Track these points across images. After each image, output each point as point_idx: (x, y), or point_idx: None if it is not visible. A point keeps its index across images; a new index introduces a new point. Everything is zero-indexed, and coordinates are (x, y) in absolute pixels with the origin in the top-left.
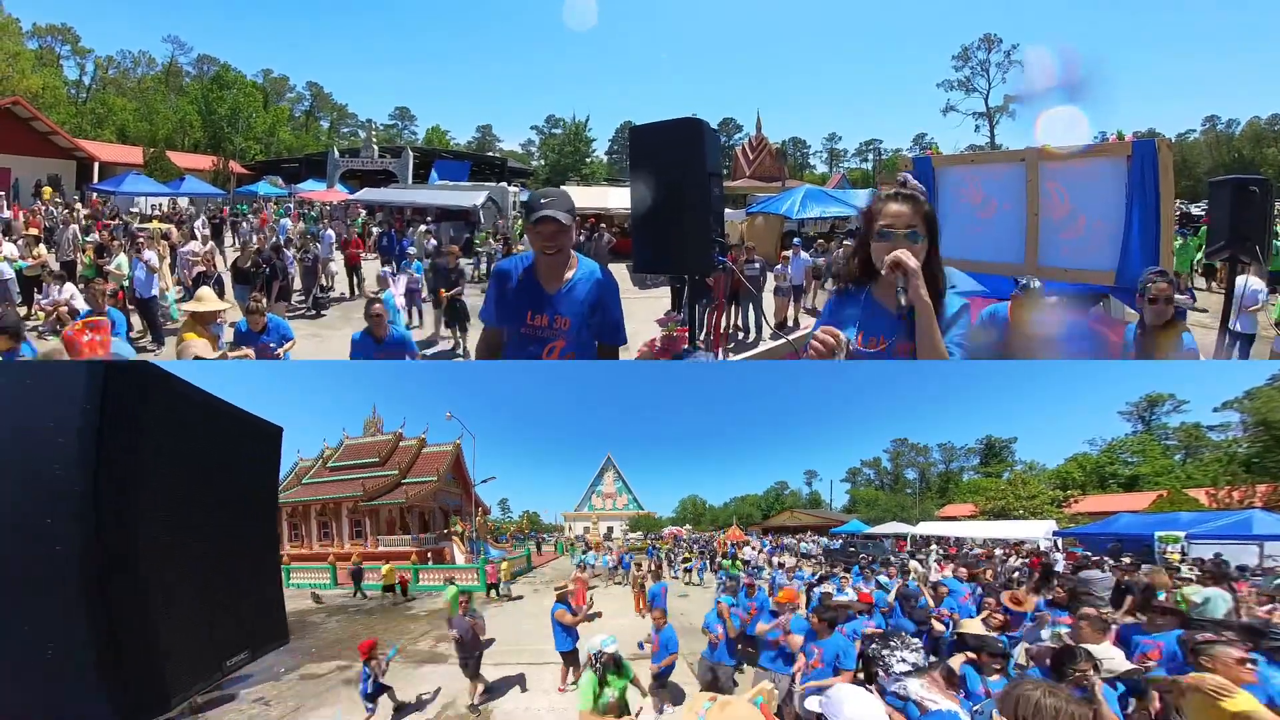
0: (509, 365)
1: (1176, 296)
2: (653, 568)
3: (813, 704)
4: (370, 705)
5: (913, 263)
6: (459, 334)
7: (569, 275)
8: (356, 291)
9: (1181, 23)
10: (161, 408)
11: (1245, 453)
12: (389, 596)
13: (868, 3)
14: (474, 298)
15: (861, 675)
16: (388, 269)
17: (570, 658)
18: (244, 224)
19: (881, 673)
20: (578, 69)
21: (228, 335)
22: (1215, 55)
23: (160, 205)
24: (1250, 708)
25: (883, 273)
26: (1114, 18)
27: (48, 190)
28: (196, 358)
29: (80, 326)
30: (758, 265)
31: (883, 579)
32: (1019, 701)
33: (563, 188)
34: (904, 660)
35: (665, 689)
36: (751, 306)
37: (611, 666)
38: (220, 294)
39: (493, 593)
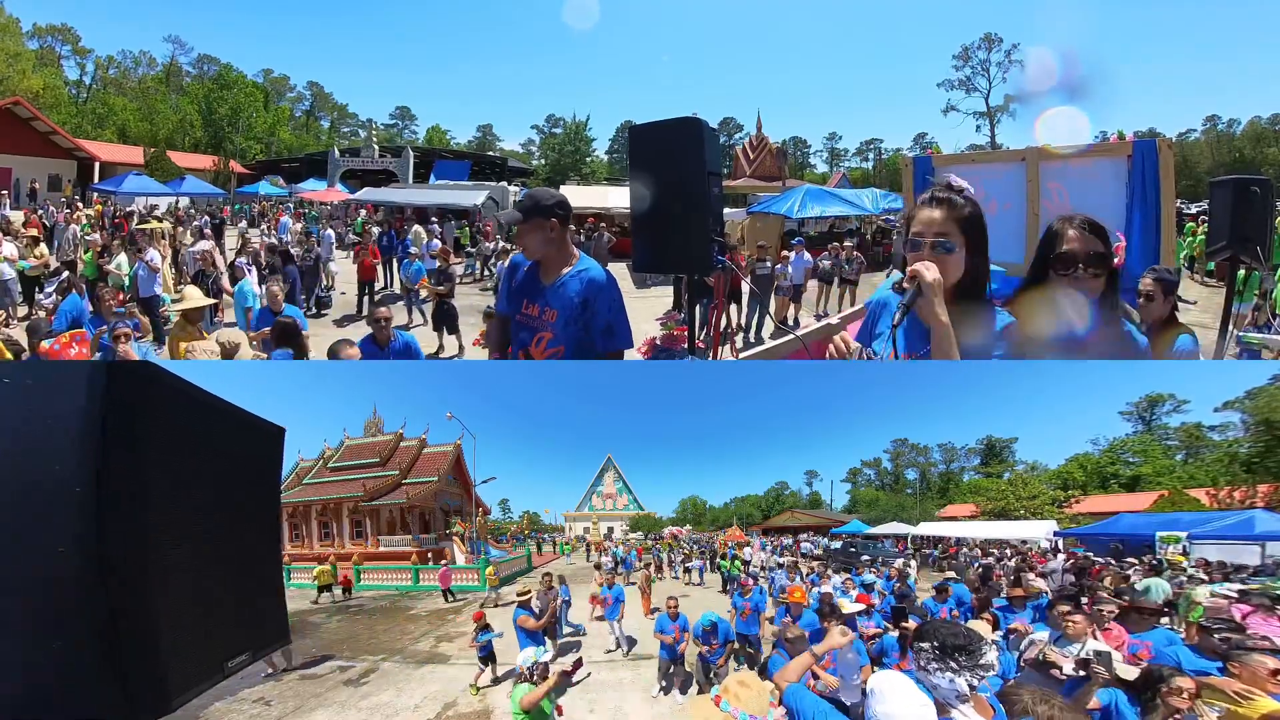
0: (509, 365)
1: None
2: (654, 566)
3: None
4: (482, 666)
5: (930, 276)
6: (443, 337)
7: (564, 271)
8: (366, 310)
9: (1181, 23)
10: (163, 407)
11: (1246, 453)
12: (325, 597)
13: (868, 2)
14: (474, 299)
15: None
16: (243, 260)
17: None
18: (257, 223)
19: (946, 673)
20: (578, 68)
21: (234, 335)
22: (1215, 55)
23: (155, 206)
24: (1273, 713)
25: (904, 284)
26: (1114, 18)
27: (68, 187)
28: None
29: (67, 339)
30: (769, 265)
31: (867, 577)
32: (1012, 704)
33: (562, 187)
34: (979, 677)
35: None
36: (757, 306)
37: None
38: (219, 293)
39: (448, 598)
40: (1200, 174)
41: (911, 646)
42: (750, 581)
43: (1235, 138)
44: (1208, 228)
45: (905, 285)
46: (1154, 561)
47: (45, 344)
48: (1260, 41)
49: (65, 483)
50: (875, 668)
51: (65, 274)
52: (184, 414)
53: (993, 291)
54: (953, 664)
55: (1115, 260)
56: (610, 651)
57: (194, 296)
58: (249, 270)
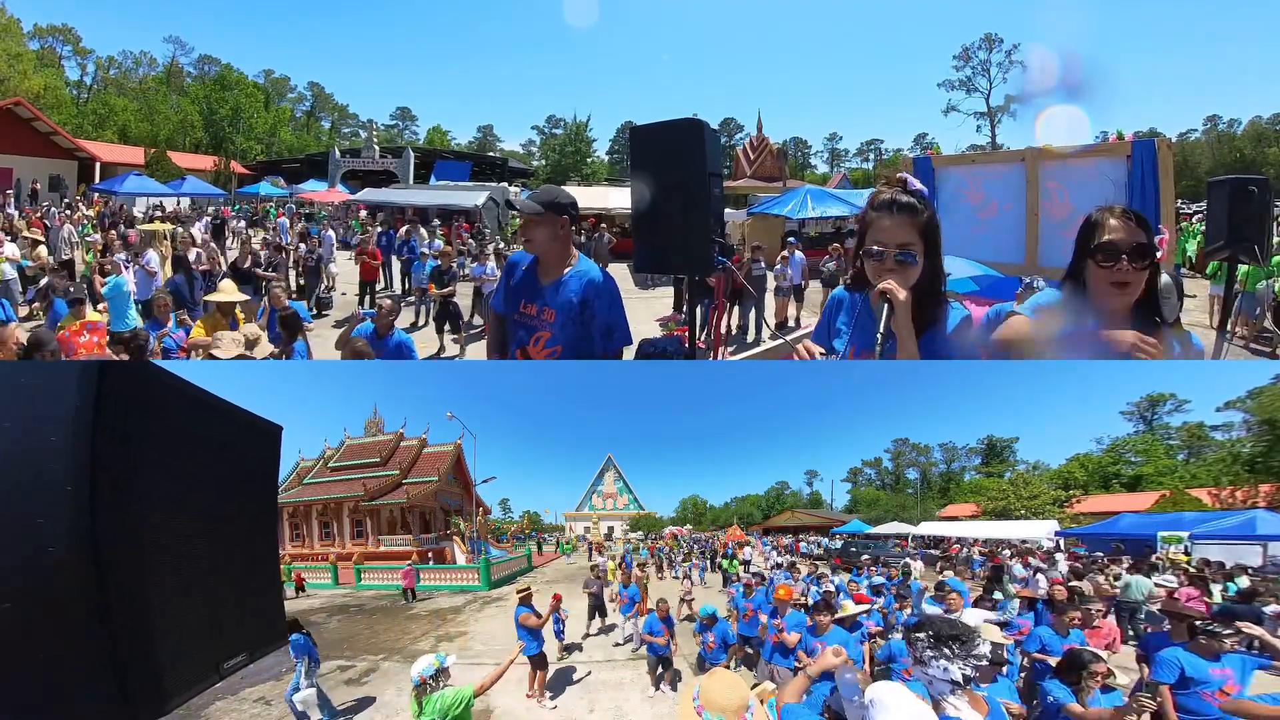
0: (509, 365)
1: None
2: (656, 565)
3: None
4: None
5: (901, 295)
6: (444, 337)
7: (564, 272)
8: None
9: (1181, 23)
10: (159, 406)
11: (1249, 452)
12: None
13: (868, 2)
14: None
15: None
16: (123, 255)
17: (538, 661)
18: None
19: (941, 662)
20: (579, 69)
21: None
22: (1216, 55)
23: (162, 205)
24: None
25: (870, 297)
26: (1114, 18)
27: (82, 189)
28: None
29: (77, 326)
30: (763, 265)
31: (876, 579)
32: None
33: (562, 187)
34: (972, 667)
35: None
36: (753, 307)
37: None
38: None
39: (410, 597)
40: (1201, 174)
41: (908, 638)
42: (754, 581)
43: (1236, 138)
44: (1206, 227)
45: (875, 299)
46: (1135, 560)
47: (59, 332)
48: (1260, 41)
49: (59, 482)
50: (886, 667)
51: (46, 278)
52: (180, 413)
53: (983, 291)
54: (947, 651)
55: (1159, 254)
56: (618, 645)
57: (229, 290)
58: (126, 267)
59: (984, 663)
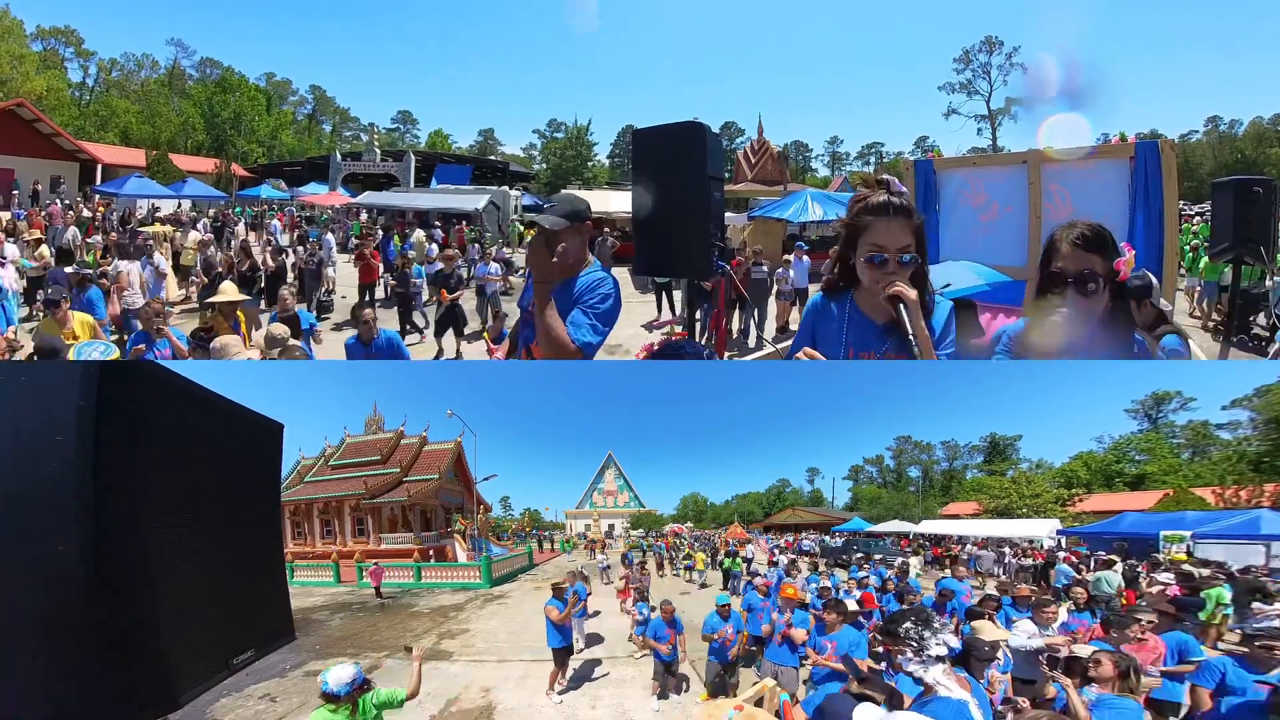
0: (509, 364)
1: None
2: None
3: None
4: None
5: (912, 295)
6: (442, 340)
7: (577, 274)
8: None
9: (1182, 23)
10: (162, 406)
11: (1255, 451)
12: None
13: (869, 6)
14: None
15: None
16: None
17: (561, 655)
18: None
19: (910, 652)
20: (580, 73)
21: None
22: (1217, 56)
23: (156, 206)
24: None
25: (881, 300)
26: (1115, 19)
27: (86, 189)
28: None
29: None
30: (765, 269)
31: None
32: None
33: (564, 191)
34: (944, 644)
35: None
36: (753, 312)
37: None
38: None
39: (379, 594)
40: (1202, 175)
41: (892, 635)
42: (767, 581)
43: (1237, 138)
44: (1211, 228)
45: (887, 303)
46: (1108, 557)
47: None
48: (1261, 42)
49: (63, 481)
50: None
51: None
52: (182, 411)
53: (986, 294)
54: (936, 628)
55: (1119, 275)
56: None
57: (230, 291)
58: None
59: (947, 637)
